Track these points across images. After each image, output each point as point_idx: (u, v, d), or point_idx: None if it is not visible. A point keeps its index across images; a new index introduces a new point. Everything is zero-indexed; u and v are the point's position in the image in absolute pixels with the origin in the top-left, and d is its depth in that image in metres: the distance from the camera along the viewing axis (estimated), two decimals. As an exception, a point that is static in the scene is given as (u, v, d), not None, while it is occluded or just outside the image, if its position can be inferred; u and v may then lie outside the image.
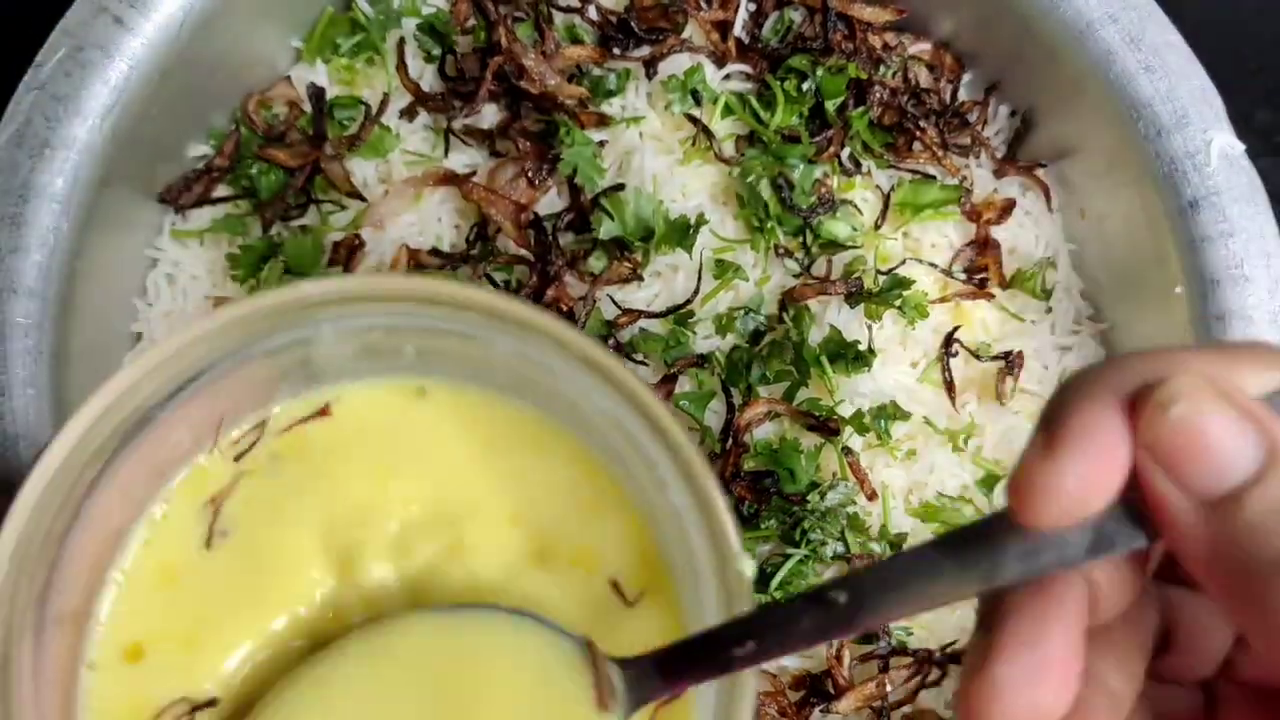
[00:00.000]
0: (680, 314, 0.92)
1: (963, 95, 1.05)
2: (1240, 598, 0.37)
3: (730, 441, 0.88)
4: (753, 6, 1.02)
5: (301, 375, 0.60)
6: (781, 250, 0.95)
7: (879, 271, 0.95)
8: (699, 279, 0.93)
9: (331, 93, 1.00)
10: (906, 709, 0.88)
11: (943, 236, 0.99)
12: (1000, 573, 0.40)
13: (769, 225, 0.94)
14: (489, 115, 0.99)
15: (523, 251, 0.93)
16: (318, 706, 0.53)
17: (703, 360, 0.91)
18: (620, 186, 0.94)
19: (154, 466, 0.57)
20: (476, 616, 0.55)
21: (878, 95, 0.99)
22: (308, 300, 0.54)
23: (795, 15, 1.02)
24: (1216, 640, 0.45)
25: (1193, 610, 0.45)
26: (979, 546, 0.41)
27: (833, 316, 0.94)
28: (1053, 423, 0.38)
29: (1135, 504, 0.39)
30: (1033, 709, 0.39)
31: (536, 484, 0.60)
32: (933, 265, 0.97)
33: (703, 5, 1.00)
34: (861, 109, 0.98)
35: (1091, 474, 0.38)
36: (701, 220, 0.93)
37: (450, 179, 0.95)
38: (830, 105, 0.98)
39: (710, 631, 0.48)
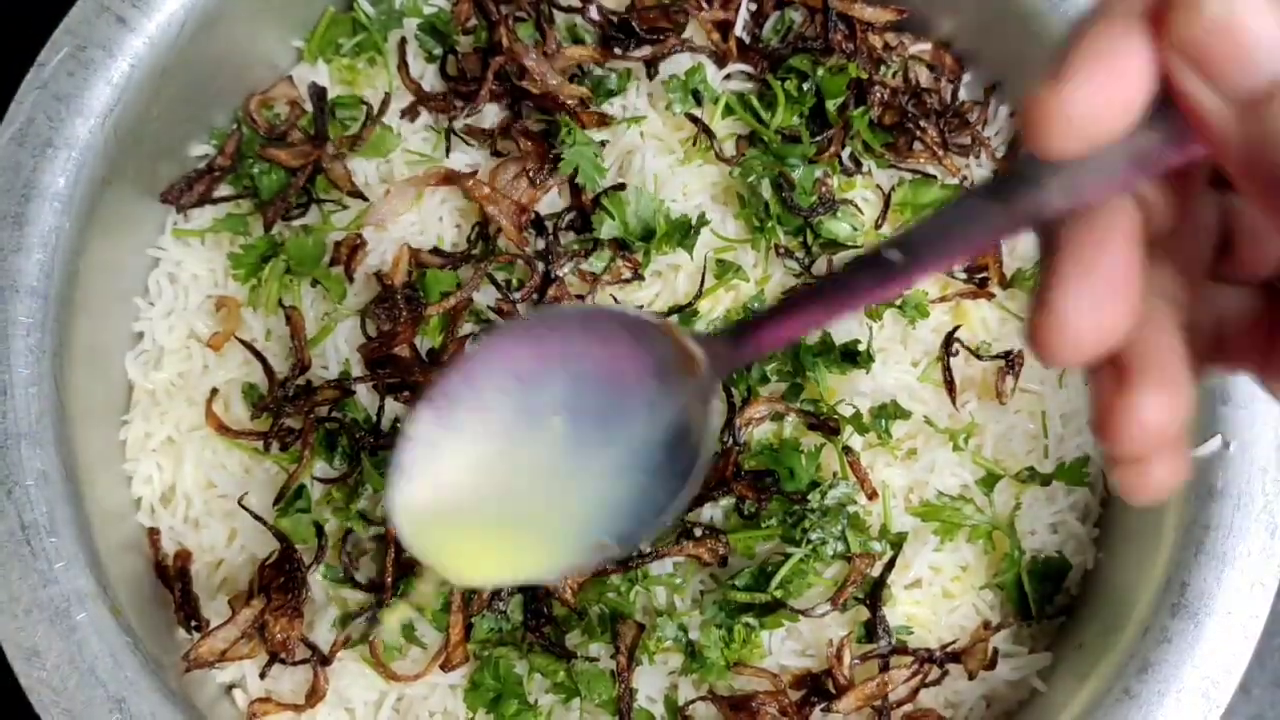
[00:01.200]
0: (681, 314, 0.92)
1: (963, 95, 1.05)
2: (1276, 199, 0.37)
3: (730, 441, 0.88)
4: (754, 6, 1.02)
5: None
6: (782, 250, 0.95)
7: (879, 271, 0.95)
8: (701, 279, 0.93)
9: (333, 92, 1.00)
10: (907, 708, 0.88)
11: (943, 236, 0.99)
12: (1045, 206, 0.40)
13: (769, 225, 0.94)
14: (490, 115, 0.99)
15: (524, 251, 0.93)
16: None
17: (703, 359, 0.91)
18: (621, 186, 0.94)
19: None
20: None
21: (878, 95, 0.99)
22: None
23: (796, 15, 1.03)
24: (1275, 242, 0.45)
25: (1251, 214, 0.45)
26: (1021, 185, 0.41)
27: (833, 316, 0.94)
28: (1067, 48, 0.38)
29: (1170, 117, 0.39)
30: (1098, 331, 0.39)
31: None
32: (933, 265, 0.97)
33: (704, 5, 1.00)
34: (862, 109, 0.98)
35: (1101, 96, 0.37)
36: (702, 220, 0.94)
37: (452, 178, 0.95)
38: (831, 105, 0.98)
39: (778, 303, 0.49)
